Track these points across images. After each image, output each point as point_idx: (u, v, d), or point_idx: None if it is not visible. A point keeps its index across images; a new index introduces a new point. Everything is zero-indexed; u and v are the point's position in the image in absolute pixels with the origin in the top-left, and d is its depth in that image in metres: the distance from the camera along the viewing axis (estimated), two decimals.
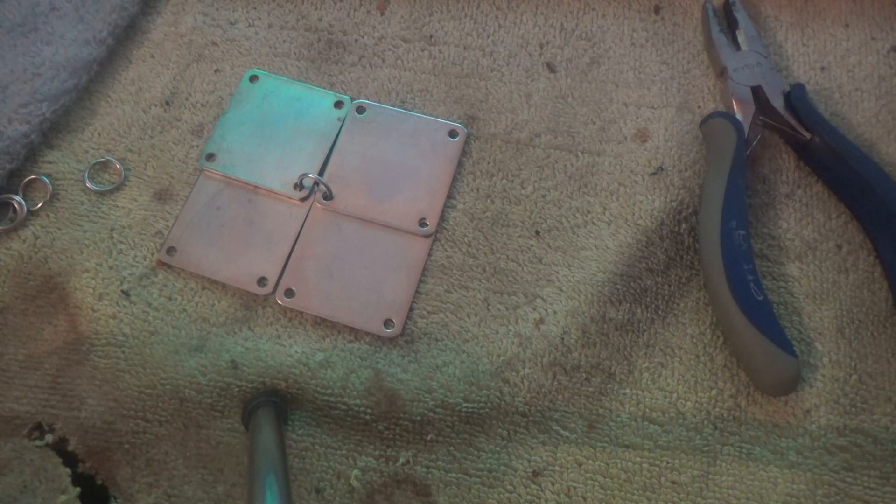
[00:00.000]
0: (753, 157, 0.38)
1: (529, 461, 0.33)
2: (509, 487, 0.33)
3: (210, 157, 0.40)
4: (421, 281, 0.37)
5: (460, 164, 0.40)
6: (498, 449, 0.34)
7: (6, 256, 0.37)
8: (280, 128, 0.40)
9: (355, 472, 0.33)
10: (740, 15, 0.41)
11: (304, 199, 0.38)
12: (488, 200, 0.39)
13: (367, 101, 0.41)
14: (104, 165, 0.40)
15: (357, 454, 0.34)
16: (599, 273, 0.36)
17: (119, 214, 0.38)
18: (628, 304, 0.36)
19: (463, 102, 0.41)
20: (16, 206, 0.38)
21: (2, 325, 0.36)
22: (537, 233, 0.38)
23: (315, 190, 0.39)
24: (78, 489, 0.33)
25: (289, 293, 0.36)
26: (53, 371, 0.35)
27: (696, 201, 0.38)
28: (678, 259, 0.37)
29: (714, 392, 0.34)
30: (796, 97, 0.38)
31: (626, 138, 0.40)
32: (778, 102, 0.38)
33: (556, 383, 0.34)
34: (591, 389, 0.34)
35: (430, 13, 0.44)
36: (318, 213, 0.38)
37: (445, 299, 0.36)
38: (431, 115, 0.41)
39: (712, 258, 0.34)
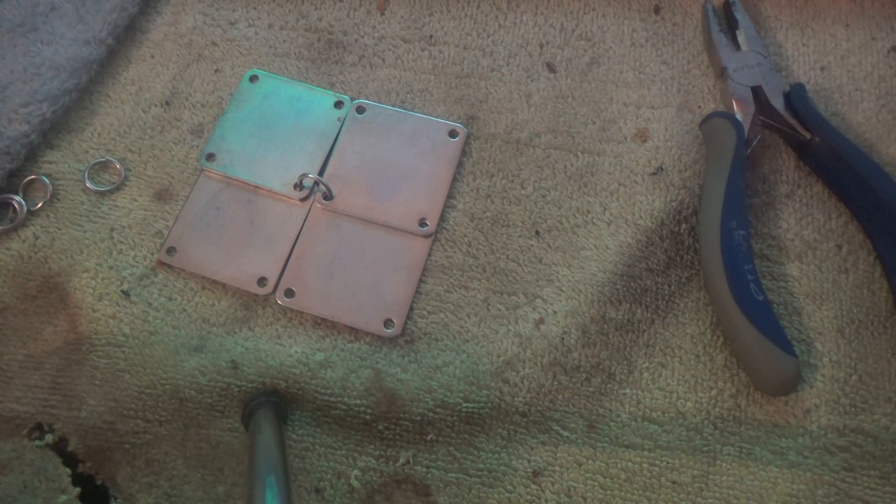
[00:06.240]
0: (753, 157, 0.38)
1: (529, 461, 0.33)
2: (509, 487, 0.33)
3: (210, 157, 0.40)
4: (421, 281, 0.37)
5: (460, 164, 0.40)
6: (498, 449, 0.34)
7: (6, 256, 0.37)
8: (280, 128, 0.40)
9: (355, 472, 0.33)
10: (740, 15, 0.41)
11: (304, 199, 0.38)
12: (488, 200, 0.39)
13: (367, 101, 0.41)
14: (104, 165, 0.40)
15: (357, 454, 0.34)
16: (599, 273, 0.36)
17: (119, 214, 0.38)
18: (628, 304, 0.36)
19: (463, 102, 0.41)
20: (16, 206, 0.38)
21: (2, 325, 0.36)
22: (537, 233, 0.38)
23: (315, 190, 0.39)
24: (78, 489, 0.33)
25: (289, 293, 0.36)
26: (53, 371, 0.35)
27: (696, 201, 0.38)
28: (678, 259, 0.37)
29: (714, 392, 0.34)
30: (796, 97, 0.38)
31: (626, 138, 0.40)
32: (778, 102, 0.38)
33: (556, 383, 0.34)
34: (591, 389, 0.34)
35: (430, 13, 0.44)
36: (318, 213, 0.38)
37: (445, 299, 0.36)
38: (431, 115, 0.41)
39: (712, 258, 0.34)
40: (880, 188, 0.35)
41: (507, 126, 0.40)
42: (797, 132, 0.37)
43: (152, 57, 0.43)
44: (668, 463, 0.33)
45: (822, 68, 0.41)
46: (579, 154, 0.40)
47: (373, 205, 0.38)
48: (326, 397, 0.34)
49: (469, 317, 0.36)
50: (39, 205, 0.38)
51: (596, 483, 0.33)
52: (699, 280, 0.36)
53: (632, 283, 0.36)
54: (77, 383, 0.35)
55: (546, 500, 0.33)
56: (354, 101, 0.41)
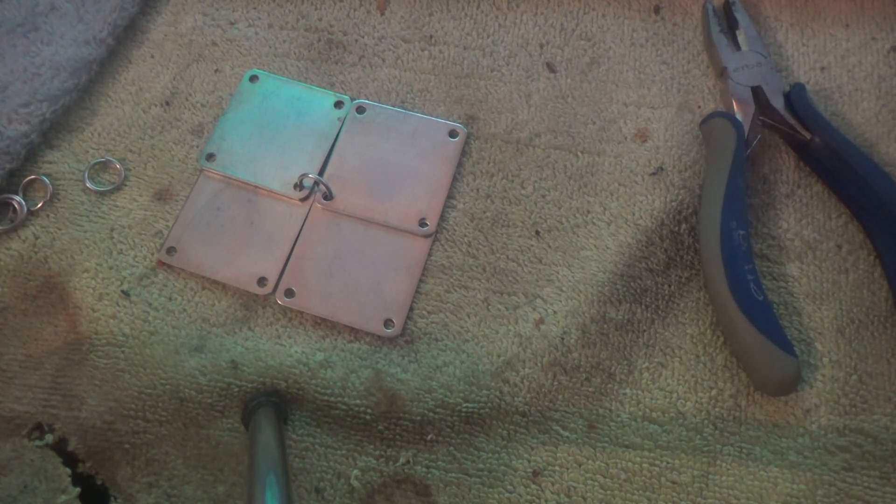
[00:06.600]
0: (753, 157, 0.38)
1: (529, 461, 0.33)
2: (509, 487, 0.33)
3: (210, 157, 0.40)
4: (421, 281, 0.37)
5: (460, 164, 0.40)
6: (498, 449, 0.34)
7: (6, 256, 0.37)
8: (280, 128, 0.40)
9: (355, 472, 0.33)
10: (740, 15, 0.41)
11: (304, 199, 0.38)
12: (488, 200, 0.39)
13: (367, 101, 0.41)
14: (104, 165, 0.40)
15: (357, 454, 0.34)
16: (599, 273, 0.36)
17: (119, 214, 0.38)
18: (628, 304, 0.36)
19: (463, 102, 0.41)
20: (16, 206, 0.38)
21: (2, 325, 0.36)
22: (537, 233, 0.38)
23: (315, 190, 0.39)
24: (78, 489, 0.33)
25: (289, 293, 0.36)
26: (53, 371, 0.35)
27: (696, 201, 0.38)
28: (678, 259, 0.37)
29: (714, 392, 0.34)
30: (796, 97, 0.38)
31: (626, 138, 0.40)
32: (778, 102, 0.38)
33: (556, 383, 0.34)
34: (591, 389, 0.34)
35: (430, 13, 0.44)
36: (318, 213, 0.38)
37: (445, 299, 0.36)
38: (431, 115, 0.41)
39: (712, 258, 0.34)
40: (880, 188, 0.35)
41: (507, 126, 0.40)
42: (797, 132, 0.37)
43: (152, 57, 0.43)
44: (668, 463, 0.33)
45: (822, 68, 0.41)
46: (579, 154, 0.40)
47: (373, 205, 0.38)
48: (326, 397, 0.34)
49: (469, 317, 0.36)
50: (39, 205, 0.38)
51: (596, 483, 0.33)
52: (699, 280, 0.36)
53: (632, 283, 0.36)
54: (77, 383, 0.35)
55: (546, 500, 0.33)
56: (354, 101, 0.41)
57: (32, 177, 0.39)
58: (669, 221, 0.37)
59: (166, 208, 0.39)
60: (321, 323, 0.36)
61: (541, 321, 0.36)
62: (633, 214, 0.38)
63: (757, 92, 0.38)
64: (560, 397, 0.34)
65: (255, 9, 0.44)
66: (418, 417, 0.34)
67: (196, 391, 0.34)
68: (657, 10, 0.43)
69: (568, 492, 0.33)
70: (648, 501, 0.33)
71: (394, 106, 0.41)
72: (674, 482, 0.33)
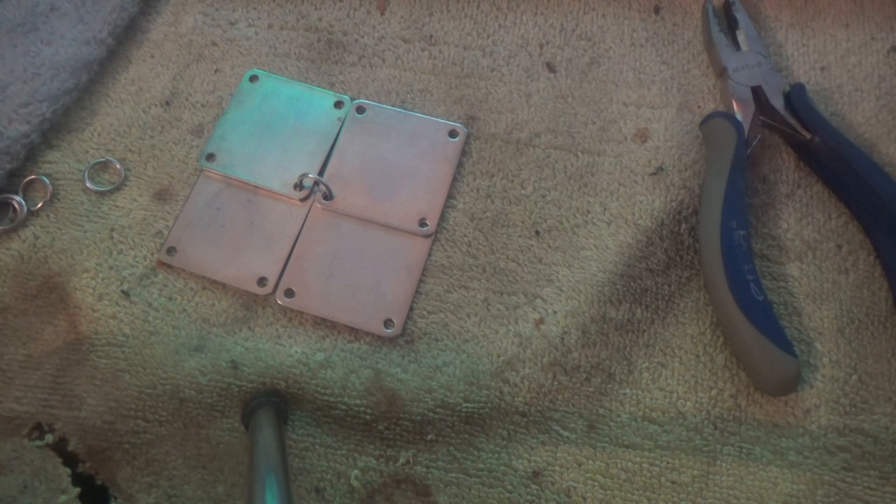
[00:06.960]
0: (753, 157, 0.39)
1: (529, 461, 0.33)
2: (509, 487, 0.33)
3: (210, 157, 0.40)
4: (421, 281, 0.37)
5: (460, 164, 0.40)
6: (498, 449, 0.34)
7: (6, 256, 0.37)
8: (280, 128, 0.40)
9: (355, 472, 0.33)
10: (740, 15, 0.41)
11: (304, 199, 0.38)
12: (488, 200, 0.39)
13: (367, 101, 0.41)
14: (104, 165, 0.40)
15: (357, 454, 0.34)
16: (599, 273, 0.36)
17: (119, 214, 0.38)
18: (628, 304, 0.36)
19: (463, 102, 0.41)
20: (16, 206, 0.38)
21: (2, 325, 0.36)
22: (537, 233, 0.38)
23: (315, 190, 0.39)
24: (78, 489, 0.33)
25: (289, 293, 0.36)
26: (53, 371, 0.35)
27: (696, 201, 0.38)
28: (678, 259, 0.37)
29: (714, 392, 0.34)
30: (796, 97, 0.38)
31: (626, 138, 0.40)
32: (778, 102, 0.38)
33: (556, 383, 0.34)
34: (591, 389, 0.34)
35: (430, 13, 0.44)
36: (318, 213, 0.38)
37: (445, 299, 0.36)
38: (431, 115, 0.41)
39: (712, 258, 0.34)
40: (880, 188, 0.35)
41: (507, 126, 0.40)
42: (797, 132, 0.37)
43: (152, 57, 0.43)
44: (668, 463, 0.33)
45: (822, 68, 0.41)
46: (579, 154, 0.40)
47: (373, 205, 0.38)
48: (326, 397, 0.34)
49: (469, 317, 0.36)
50: (39, 205, 0.38)
51: (596, 483, 0.33)
52: (699, 280, 0.36)
53: (632, 283, 0.36)
54: (77, 383, 0.35)
55: (546, 500, 0.33)
56: (354, 101, 0.41)
57: (32, 177, 0.39)
58: (669, 221, 0.37)
59: (166, 208, 0.39)
60: (321, 323, 0.36)
61: (541, 321, 0.36)
62: (633, 214, 0.38)
63: (757, 92, 0.38)
64: (560, 397, 0.34)
65: (255, 9, 0.44)
66: (418, 417, 0.34)
67: (196, 391, 0.34)
68: (657, 10, 0.43)
69: (568, 492, 0.33)
70: (648, 501, 0.33)
71: (394, 106, 0.41)
72: (674, 482, 0.33)
